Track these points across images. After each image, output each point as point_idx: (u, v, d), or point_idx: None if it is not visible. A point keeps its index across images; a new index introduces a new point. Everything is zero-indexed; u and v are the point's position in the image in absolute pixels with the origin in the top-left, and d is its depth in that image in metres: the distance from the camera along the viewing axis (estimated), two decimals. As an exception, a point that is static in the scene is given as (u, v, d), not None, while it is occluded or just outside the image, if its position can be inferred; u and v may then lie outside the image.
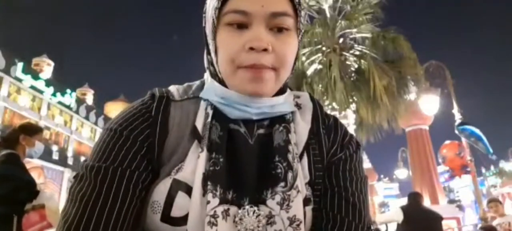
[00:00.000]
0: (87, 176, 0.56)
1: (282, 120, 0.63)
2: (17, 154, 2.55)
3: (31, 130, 2.76)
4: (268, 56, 0.57)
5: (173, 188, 0.56)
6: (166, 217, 0.55)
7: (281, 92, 0.65)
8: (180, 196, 0.55)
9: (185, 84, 0.70)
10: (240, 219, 0.54)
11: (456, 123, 8.22)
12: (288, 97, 0.67)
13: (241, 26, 0.58)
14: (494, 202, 5.64)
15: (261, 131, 0.62)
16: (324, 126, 0.68)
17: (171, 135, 0.60)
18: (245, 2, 0.57)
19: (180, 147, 0.60)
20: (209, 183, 0.54)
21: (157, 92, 0.64)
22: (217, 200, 0.54)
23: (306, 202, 0.59)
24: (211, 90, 0.64)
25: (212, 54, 0.63)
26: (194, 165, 0.57)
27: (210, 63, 0.65)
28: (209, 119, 0.61)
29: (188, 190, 0.56)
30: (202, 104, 0.64)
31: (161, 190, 0.56)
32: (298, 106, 0.69)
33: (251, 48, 0.56)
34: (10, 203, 2.33)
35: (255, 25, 0.57)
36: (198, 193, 0.54)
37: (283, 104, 0.64)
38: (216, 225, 0.52)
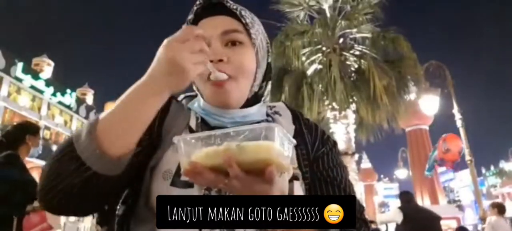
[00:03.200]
0: None
1: None
2: (16, 155, 2.55)
3: (34, 130, 2.77)
4: (225, 65, 0.69)
5: None
6: (176, 182, 0.66)
7: (254, 103, 0.76)
8: None
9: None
10: (231, 191, 0.66)
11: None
12: (260, 108, 0.79)
13: None
14: (492, 206, 6.19)
15: None
16: (305, 126, 0.81)
17: (169, 115, 0.76)
18: (203, 28, 0.71)
19: (178, 129, 0.74)
20: None
21: None
22: None
23: (293, 178, 0.69)
24: (196, 103, 0.79)
25: None
26: None
27: (193, 82, 0.80)
28: (199, 121, 0.76)
29: None
30: (193, 111, 0.79)
31: (172, 161, 0.68)
32: (277, 113, 0.82)
33: (211, 61, 0.67)
34: (7, 205, 2.34)
35: (213, 44, 0.70)
36: None
37: (255, 113, 0.76)
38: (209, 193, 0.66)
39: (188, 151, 0.55)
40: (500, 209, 5.98)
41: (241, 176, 0.51)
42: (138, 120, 0.61)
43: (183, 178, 0.66)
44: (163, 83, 0.59)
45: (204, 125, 0.75)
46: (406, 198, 4.87)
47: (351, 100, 8.62)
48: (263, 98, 0.80)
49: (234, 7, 0.74)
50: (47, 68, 24.85)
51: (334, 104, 8.45)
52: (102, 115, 0.62)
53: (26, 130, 2.71)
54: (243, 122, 0.73)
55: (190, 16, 0.75)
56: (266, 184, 0.53)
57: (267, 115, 0.81)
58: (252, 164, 0.52)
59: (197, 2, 0.76)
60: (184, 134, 0.74)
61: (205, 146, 0.53)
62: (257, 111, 0.77)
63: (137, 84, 0.60)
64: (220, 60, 0.69)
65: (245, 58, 0.72)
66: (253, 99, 0.76)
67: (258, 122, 0.75)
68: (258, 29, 0.77)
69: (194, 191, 0.65)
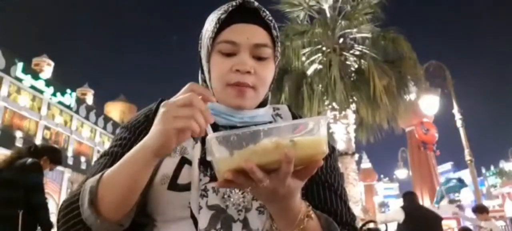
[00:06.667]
0: (104, 155, 0.76)
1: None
2: (39, 163, 2.80)
3: (55, 159, 3.03)
4: (251, 77, 0.72)
5: (181, 162, 0.70)
6: (173, 185, 0.67)
7: (262, 105, 0.80)
8: (186, 168, 0.69)
9: None
10: (228, 195, 0.67)
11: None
12: (267, 110, 0.82)
13: (230, 55, 0.73)
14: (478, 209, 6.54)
15: None
16: None
17: None
18: (235, 35, 0.73)
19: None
20: (202, 167, 0.68)
21: (163, 99, 0.82)
22: (207, 178, 0.68)
23: None
24: None
25: (206, 74, 0.78)
26: (192, 151, 0.72)
27: (203, 80, 0.81)
28: None
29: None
30: None
31: (169, 166, 0.69)
32: (279, 115, 0.84)
33: (237, 70, 0.71)
34: (20, 206, 2.56)
35: (241, 53, 0.72)
36: (196, 170, 0.68)
37: (262, 115, 0.80)
38: (206, 197, 0.66)
39: (223, 150, 0.50)
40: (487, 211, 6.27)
41: (290, 174, 0.49)
42: (132, 186, 0.61)
43: (180, 181, 0.68)
44: (150, 150, 0.57)
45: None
46: (409, 198, 4.90)
47: (351, 100, 8.61)
48: (268, 101, 0.83)
49: (270, 19, 0.76)
50: (47, 68, 24.83)
51: (334, 104, 8.45)
52: (102, 180, 0.62)
53: (47, 153, 2.98)
54: (252, 122, 0.76)
55: (223, 15, 0.73)
56: (299, 180, 0.52)
57: (271, 116, 0.83)
58: (304, 160, 0.50)
59: (233, 3, 0.74)
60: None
61: (251, 142, 0.49)
62: (265, 112, 0.80)
63: (133, 149, 0.61)
64: (247, 72, 0.71)
65: (268, 72, 0.76)
66: (262, 103, 0.80)
67: (266, 122, 0.77)
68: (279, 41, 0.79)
69: (191, 194, 0.66)
